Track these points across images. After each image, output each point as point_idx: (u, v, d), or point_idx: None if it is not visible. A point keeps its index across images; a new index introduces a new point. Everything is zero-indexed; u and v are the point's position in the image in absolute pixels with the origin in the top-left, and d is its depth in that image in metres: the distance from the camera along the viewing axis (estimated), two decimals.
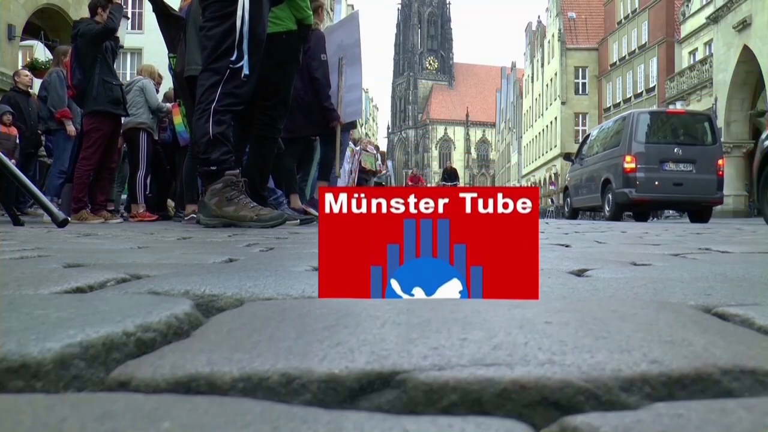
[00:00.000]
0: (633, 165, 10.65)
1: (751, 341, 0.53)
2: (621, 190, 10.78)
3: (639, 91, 38.40)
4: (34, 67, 13.03)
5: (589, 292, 0.89)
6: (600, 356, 0.46)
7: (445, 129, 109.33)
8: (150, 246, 1.95)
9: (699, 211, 11.04)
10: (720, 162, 10.94)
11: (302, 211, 5.41)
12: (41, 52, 16.52)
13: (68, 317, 0.57)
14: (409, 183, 21.68)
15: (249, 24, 3.63)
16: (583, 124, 47.26)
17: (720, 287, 0.91)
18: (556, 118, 49.82)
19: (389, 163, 19.94)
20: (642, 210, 11.83)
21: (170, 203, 8.27)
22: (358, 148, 11.49)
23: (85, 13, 6.66)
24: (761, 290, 0.89)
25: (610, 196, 11.22)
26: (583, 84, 47.80)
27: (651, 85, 36.80)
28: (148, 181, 7.54)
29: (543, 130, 55.57)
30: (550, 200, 42.22)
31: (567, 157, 14.86)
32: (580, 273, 1.19)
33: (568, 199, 13.93)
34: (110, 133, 6.08)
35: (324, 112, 5.59)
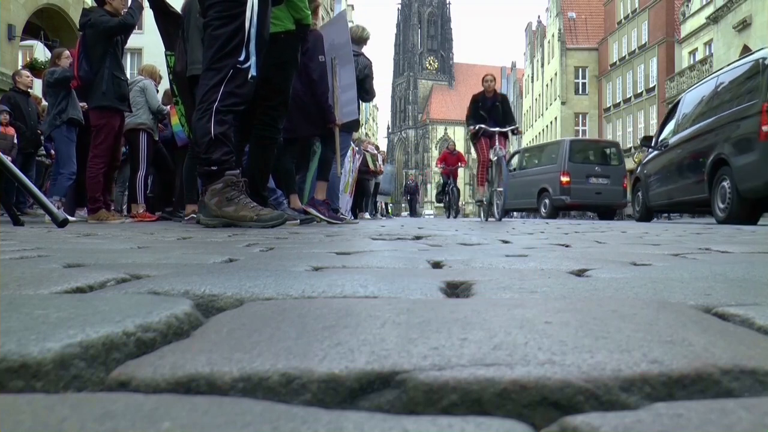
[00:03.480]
0: (568, 179, 14.50)
1: (751, 341, 0.53)
2: (558, 197, 14.59)
3: (639, 91, 38.42)
4: (34, 67, 13.02)
5: (589, 292, 0.89)
6: (600, 356, 0.46)
7: (445, 129, 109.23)
8: (150, 246, 1.95)
9: (609, 212, 15.29)
10: (625, 177, 15.01)
11: (302, 211, 5.41)
12: (41, 52, 16.52)
13: (68, 317, 0.57)
14: (445, 165, 17.43)
15: (257, 25, 3.63)
16: (584, 124, 47.26)
17: (720, 287, 0.91)
18: (556, 118, 49.81)
19: (388, 167, 19.57)
20: (571, 210, 15.65)
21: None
22: (358, 148, 11.49)
23: None
24: (761, 290, 0.89)
25: (547, 201, 15.04)
26: (583, 84, 47.80)
27: (651, 85, 36.83)
28: (149, 181, 7.53)
29: (543, 130, 55.56)
30: None
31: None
32: (580, 273, 1.19)
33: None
34: (118, 128, 6.05)
35: (322, 113, 5.60)
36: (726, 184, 7.17)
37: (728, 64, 8.48)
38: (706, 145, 7.68)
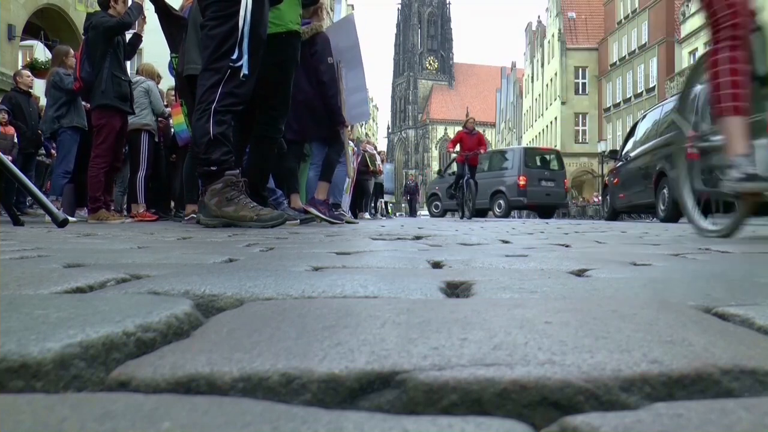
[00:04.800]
0: (524, 182, 16.88)
1: (751, 341, 0.53)
2: (516, 198, 17.06)
3: (639, 91, 38.43)
4: (34, 67, 13.04)
5: (589, 292, 0.89)
6: (600, 356, 0.46)
7: (445, 129, 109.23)
8: (150, 246, 1.95)
9: (549, 211, 17.73)
10: (566, 181, 18.52)
11: (302, 210, 5.42)
12: (41, 52, 16.53)
13: (68, 317, 0.57)
14: (461, 149, 12.70)
15: (251, 24, 3.63)
16: (583, 124, 47.27)
17: (720, 287, 0.91)
18: (556, 118, 49.81)
19: (387, 166, 19.50)
20: (526, 209, 16.72)
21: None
22: (357, 148, 11.49)
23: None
24: (761, 290, 0.89)
25: (502, 201, 17.28)
26: (583, 84, 47.81)
27: (651, 85, 36.84)
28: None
29: (543, 130, 55.57)
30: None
31: (439, 173, 20.66)
32: (580, 273, 1.19)
33: (439, 203, 19.68)
34: (119, 129, 6.06)
35: (331, 115, 5.61)
36: (665, 191, 9.22)
37: (672, 96, 11.39)
38: (653, 160, 9.75)
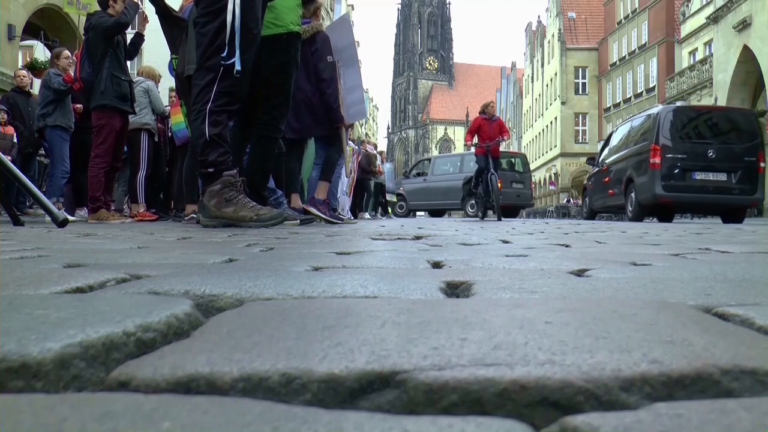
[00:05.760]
0: (500, 184, 17.90)
1: (751, 341, 0.53)
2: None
3: (639, 91, 38.41)
4: (34, 67, 13.02)
5: (589, 292, 0.89)
6: (600, 356, 0.46)
7: (445, 129, 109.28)
8: (150, 246, 1.95)
9: (516, 212, 18.55)
10: (532, 182, 20.19)
11: (302, 210, 5.41)
12: (41, 52, 16.52)
13: (68, 317, 0.57)
14: (479, 140, 10.25)
15: (240, 19, 3.60)
16: (583, 124, 47.26)
17: (720, 287, 0.91)
18: (556, 118, 49.81)
19: (388, 165, 19.58)
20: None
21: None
22: (358, 148, 11.49)
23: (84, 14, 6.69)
24: (761, 290, 0.89)
25: (473, 202, 17.51)
26: (583, 84, 47.80)
27: (651, 85, 36.82)
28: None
29: (543, 130, 55.57)
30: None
31: (405, 173, 22.04)
32: (580, 273, 1.19)
33: (404, 203, 20.76)
34: (119, 129, 6.06)
35: (330, 114, 5.61)
36: (633, 195, 10.68)
37: (641, 111, 13.38)
38: (623, 167, 11.17)
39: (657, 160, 9.87)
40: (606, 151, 12.73)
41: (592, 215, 13.56)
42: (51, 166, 7.10)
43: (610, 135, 13.33)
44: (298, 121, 5.51)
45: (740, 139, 10.10)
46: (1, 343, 0.46)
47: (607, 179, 12.02)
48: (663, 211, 10.47)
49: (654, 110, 11.04)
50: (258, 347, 0.49)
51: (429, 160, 21.70)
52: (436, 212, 20.67)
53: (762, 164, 10.02)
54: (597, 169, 12.95)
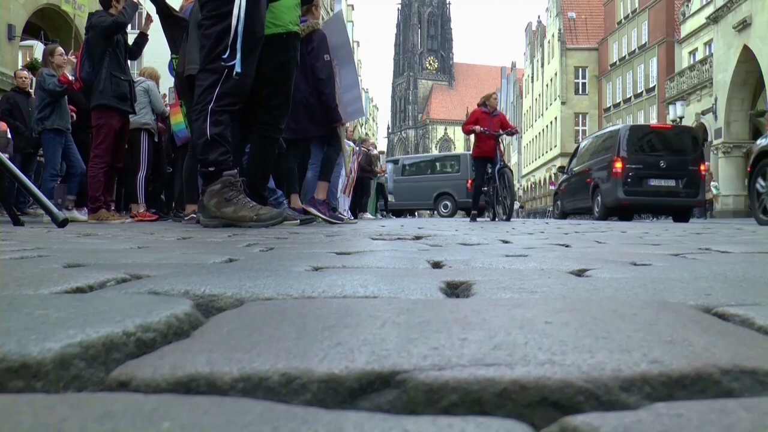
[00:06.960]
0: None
1: (751, 341, 0.53)
2: (465, 200, 18.19)
3: (639, 91, 38.40)
4: (34, 67, 12.99)
5: (589, 292, 0.89)
6: (600, 356, 0.46)
7: (445, 129, 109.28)
8: (150, 246, 1.95)
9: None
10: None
11: (302, 210, 5.41)
12: (41, 52, 16.49)
13: (68, 317, 0.57)
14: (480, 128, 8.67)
15: (245, 22, 3.61)
16: (583, 124, 47.24)
17: (720, 287, 0.91)
18: (556, 118, 49.80)
19: (388, 165, 19.64)
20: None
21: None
22: (358, 148, 11.48)
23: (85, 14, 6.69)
24: (761, 290, 0.89)
25: (448, 203, 19.54)
26: (583, 84, 47.78)
27: (651, 85, 36.80)
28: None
29: (543, 130, 55.56)
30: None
31: (391, 161, 22.47)
32: (580, 273, 1.19)
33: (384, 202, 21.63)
34: (119, 129, 6.05)
35: (328, 113, 5.60)
36: (599, 198, 12.53)
37: (610, 125, 17.76)
38: (590, 175, 13.15)
39: (619, 169, 11.80)
40: (574, 161, 14.86)
41: (563, 216, 15.39)
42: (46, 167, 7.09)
43: (577, 148, 15.67)
44: (295, 122, 5.50)
45: (685, 151, 12.22)
46: (1, 343, 0.46)
47: (576, 185, 14.17)
48: (624, 212, 12.35)
49: (615, 128, 13.70)
50: (258, 347, 0.49)
51: (397, 161, 22.35)
52: (404, 212, 21.37)
53: (703, 171, 12.28)
54: (567, 176, 15.23)
